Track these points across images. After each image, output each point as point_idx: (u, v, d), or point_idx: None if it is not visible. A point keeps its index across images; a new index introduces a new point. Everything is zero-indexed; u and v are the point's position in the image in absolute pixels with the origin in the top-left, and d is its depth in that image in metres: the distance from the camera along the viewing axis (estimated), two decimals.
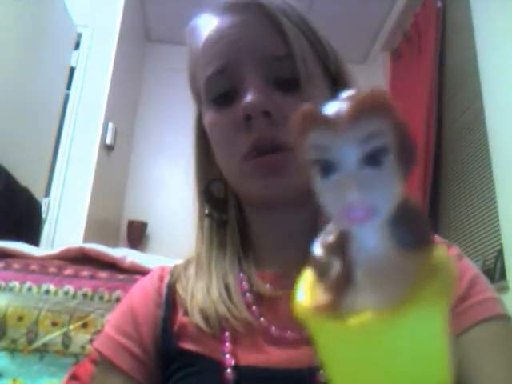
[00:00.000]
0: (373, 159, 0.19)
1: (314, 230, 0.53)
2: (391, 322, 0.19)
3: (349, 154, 0.19)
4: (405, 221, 0.20)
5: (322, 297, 0.21)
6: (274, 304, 0.50)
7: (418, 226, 0.20)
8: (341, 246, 0.21)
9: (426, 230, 0.21)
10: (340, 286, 0.21)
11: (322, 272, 0.21)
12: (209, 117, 0.54)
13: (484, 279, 0.50)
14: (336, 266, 0.21)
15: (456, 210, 2.45)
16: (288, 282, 0.51)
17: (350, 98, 0.19)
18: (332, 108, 0.19)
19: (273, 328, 0.48)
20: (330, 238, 0.22)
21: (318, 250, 0.22)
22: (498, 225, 2.00)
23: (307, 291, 0.21)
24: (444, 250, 0.20)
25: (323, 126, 0.19)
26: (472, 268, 0.50)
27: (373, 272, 0.21)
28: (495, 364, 0.43)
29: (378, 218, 0.19)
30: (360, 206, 0.19)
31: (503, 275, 1.91)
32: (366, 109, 0.19)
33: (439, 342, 0.19)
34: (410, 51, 3.01)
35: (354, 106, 0.19)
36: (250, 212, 0.57)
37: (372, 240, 0.20)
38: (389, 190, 0.19)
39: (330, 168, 0.19)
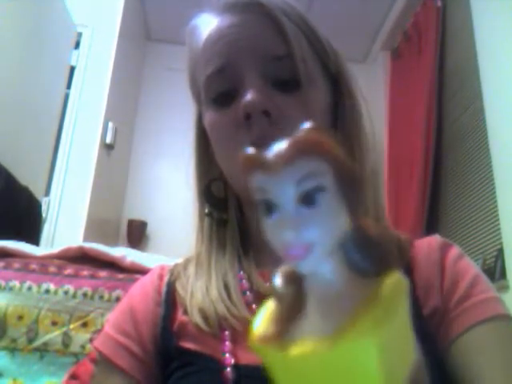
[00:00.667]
0: (308, 199, 0.20)
1: None
2: (327, 351, 0.19)
3: (285, 194, 0.20)
4: (356, 247, 0.21)
5: (270, 327, 0.21)
6: None
7: (372, 253, 0.21)
8: (296, 278, 0.22)
9: (382, 257, 0.21)
10: (288, 315, 0.22)
11: (279, 302, 0.22)
12: (209, 116, 0.54)
13: (485, 279, 0.50)
14: (287, 297, 0.22)
15: (456, 210, 2.45)
16: None
17: (289, 140, 0.20)
18: (273, 150, 0.20)
19: None
20: (289, 268, 0.23)
21: (277, 280, 0.23)
22: (498, 224, 2.00)
23: (264, 321, 0.22)
24: (395, 278, 0.21)
25: (262, 169, 0.20)
26: (473, 267, 0.50)
27: (323, 300, 0.21)
28: (496, 364, 0.43)
29: (317, 253, 0.20)
30: (297, 244, 0.20)
31: (503, 274, 1.91)
32: (299, 150, 0.19)
33: (374, 372, 0.19)
34: (410, 51, 3.01)
35: (288, 147, 0.20)
36: (250, 212, 0.57)
37: (322, 270, 0.21)
38: (325, 226, 0.20)
39: (273, 208, 0.20)
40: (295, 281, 0.22)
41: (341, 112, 0.56)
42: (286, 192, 0.20)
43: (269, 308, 0.23)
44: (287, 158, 0.19)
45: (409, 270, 0.50)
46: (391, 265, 0.21)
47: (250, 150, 0.21)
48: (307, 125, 0.20)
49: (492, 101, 2.13)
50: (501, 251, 1.97)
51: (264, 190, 0.21)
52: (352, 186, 0.20)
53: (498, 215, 2.02)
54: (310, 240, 0.20)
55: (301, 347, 0.20)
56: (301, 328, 0.21)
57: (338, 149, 0.20)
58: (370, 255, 0.21)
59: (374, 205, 0.53)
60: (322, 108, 0.53)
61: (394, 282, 0.21)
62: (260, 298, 0.51)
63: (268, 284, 0.52)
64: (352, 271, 0.21)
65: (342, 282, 0.21)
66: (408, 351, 0.23)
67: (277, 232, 0.20)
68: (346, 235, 0.21)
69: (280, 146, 0.20)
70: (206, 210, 0.58)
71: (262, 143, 0.48)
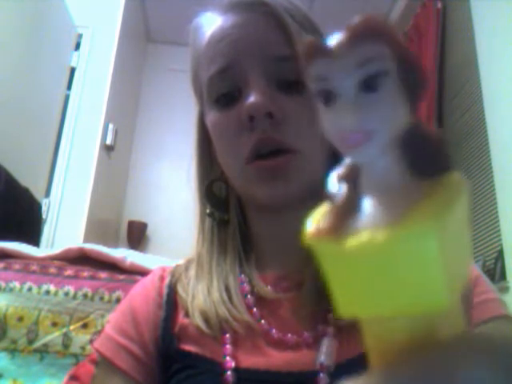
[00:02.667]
0: (369, 84, 0.19)
1: None
2: (385, 240, 0.19)
3: (345, 80, 0.19)
4: (415, 146, 0.20)
5: (324, 222, 0.21)
6: (275, 306, 0.50)
7: (429, 151, 0.20)
8: (353, 176, 0.21)
9: (438, 156, 0.20)
10: (343, 210, 0.21)
11: (334, 200, 0.22)
12: (211, 117, 0.53)
13: (486, 280, 0.49)
14: (343, 192, 0.21)
15: None
16: (289, 284, 0.51)
17: (348, 26, 0.19)
18: (333, 39, 0.19)
19: (273, 330, 0.48)
20: (342, 169, 0.22)
21: (331, 180, 0.22)
22: (499, 225, 2.00)
23: (316, 220, 0.22)
24: (456, 174, 0.20)
25: (323, 56, 0.19)
26: (474, 269, 0.50)
27: (379, 196, 0.21)
28: None
29: (377, 141, 0.19)
30: (356, 130, 0.19)
31: (503, 276, 1.91)
32: (359, 34, 0.19)
33: (434, 262, 0.19)
34: None
35: (348, 33, 0.19)
36: (251, 213, 0.57)
37: (380, 165, 0.20)
38: (386, 113, 0.19)
39: (332, 97, 0.20)
40: (351, 178, 0.22)
41: None
42: (347, 77, 0.19)
43: (322, 208, 0.22)
44: (348, 42, 0.19)
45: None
46: (449, 166, 0.20)
47: (311, 37, 0.20)
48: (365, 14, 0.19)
49: (492, 102, 2.13)
50: (501, 252, 1.97)
51: (324, 78, 0.20)
52: (414, 74, 0.19)
53: (498, 216, 2.01)
54: (371, 126, 0.19)
55: (357, 238, 0.19)
56: (356, 222, 0.20)
57: (400, 35, 0.19)
58: (427, 153, 0.20)
59: None
60: None
61: (456, 179, 0.20)
62: (261, 302, 0.51)
63: (269, 287, 0.51)
64: (409, 169, 0.20)
65: (400, 178, 0.20)
66: (466, 258, 0.22)
67: (336, 120, 0.20)
68: (404, 130, 0.20)
69: (340, 34, 0.19)
70: (208, 211, 0.57)
71: (266, 145, 0.49)
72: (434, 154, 0.20)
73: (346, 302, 0.21)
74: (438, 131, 0.20)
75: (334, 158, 0.29)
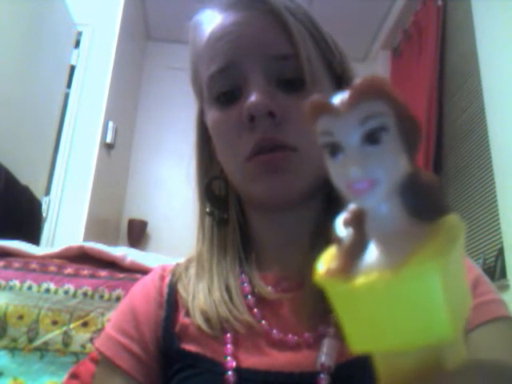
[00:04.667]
0: (372, 138, 0.21)
1: (315, 232, 0.52)
2: (392, 279, 0.20)
3: (350, 135, 0.21)
4: (415, 193, 0.22)
5: (334, 263, 0.23)
6: (276, 306, 0.50)
7: (428, 197, 0.22)
8: (358, 220, 0.24)
9: (436, 201, 0.22)
10: (351, 251, 0.23)
11: (341, 243, 0.24)
12: (211, 115, 0.53)
13: (487, 280, 0.49)
14: (350, 235, 0.23)
15: (456, 209, 2.44)
16: (289, 284, 0.51)
17: (350, 87, 0.21)
18: (336, 97, 0.22)
19: (274, 331, 0.48)
20: (348, 214, 0.24)
21: (337, 225, 0.24)
22: (499, 223, 2.00)
23: (325, 261, 0.23)
24: (454, 217, 0.22)
25: (328, 113, 0.22)
26: (474, 269, 0.50)
27: (383, 239, 0.22)
28: None
29: (381, 189, 0.21)
30: (362, 179, 0.21)
31: (503, 274, 1.91)
32: (362, 93, 0.21)
33: (437, 298, 0.20)
34: (410, 49, 3.01)
35: (352, 91, 0.21)
36: (251, 212, 0.57)
37: (383, 210, 0.22)
38: (388, 164, 0.21)
39: (338, 150, 0.22)
40: (357, 222, 0.24)
41: None
42: (351, 132, 0.21)
43: (330, 251, 0.24)
44: (352, 100, 0.21)
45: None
46: (446, 209, 0.22)
47: (317, 97, 0.22)
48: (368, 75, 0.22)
49: (492, 100, 2.13)
50: (501, 251, 1.97)
51: (329, 133, 0.22)
52: (411, 129, 0.22)
53: (498, 215, 2.01)
54: (375, 175, 0.21)
55: (366, 277, 0.21)
56: (364, 263, 0.22)
57: (398, 93, 0.21)
58: (425, 198, 0.22)
59: None
60: None
61: (453, 220, 0.22)
62: (261, 302, 0.50)
63: (269, 287, 0.51)
64: (410, 214, 0.22)
65: (401, 222, 0.22)
66: (465, 292, 0.24)
67: (342, 171, 0.22)
68: (404, 178, 0.22)
69: (344, 93, 0.22)
70: (207, 209, 0.57)
71: (266, 144, 0.48)
72: (432, 199, 0.22)
73: (357, 339, 0.23)
74: (434, 177, 0.22)
75: None
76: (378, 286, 0.21)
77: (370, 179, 0.21)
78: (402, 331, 0.21)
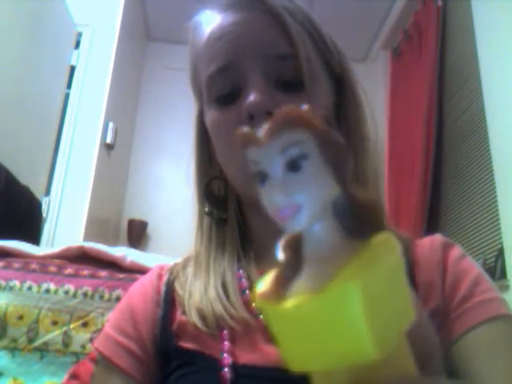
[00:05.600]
0: (293, 165, 0.22)
1: None
2: (316, 302, 0.21)
3: (273, 163, 0.23)
4: (347, 212, 0.23)
5: (270, 286, 0.24)
6: None
7: (360, 216, 0.23)
8: (296, 243, 0.24)
9: (370, 219, 0.23)
10: (285, 274, 0.24)
11: (279, 265, 0.25)
12: (211, 115, 0.53)
13: (487, 279, 0.49)
14: (285, 259, 0.24)
15: (457, 209, 2.44)
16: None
17: (272, 116, 0.23)
18: (261, 128, 0.23)
19: None
20: (285, 238, 0.25)
21: (278, 247, 0.25)
22: (499, 223, 2.00)
23: (265, 282, 0.25)
24: (384, 236, 0.23)
25: (253, 143, 0.23)
26: (475, 267, 0.50)
27: (317, 259, 0.23)
28: (499, 364, 0.42)
29: (305, 213, 0.22)
30: (285, 206, 0.22)
31: (504, 274, 1.91)
32: (281, 123, 0.22)
33: (359, 319, 0.21)
34: (410, 50, 3.01)
35: (271, 122, 0.23)
36: (250, 211, 0.57)
37: (317, 231, 0.23)
38: (311, 189, 0.22)
39: (265, 178, 0.23)
40: (293, 246, 0.24)
41: (344, 112, 0.55)
42: (273, 161, 0.23)
43: (271, 273, 0.25)
44: (271, 131, 0.22)
45: (410, 269, 0.50)
46: (380, 226, 0.23)
47: (245, 128, 0.24)
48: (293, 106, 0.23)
49: (492, 100, 2.13)
50: (501, 250, 1.97)
51: (257, 162, 0.24)
52: (335, 152, 0.23)
53: (498, 214, 2.01)
54: (298, 201, 0.22)
55: (293, 300, 0.22)
56: (296, 286, 0.23)
57: (319, 120, 0.23)
58: (359, 217, 0.23)
59: None
60: (325, 108, 0.52)
61: (382, 238, 0.23)
62: None
63: None
64: (344, 232, 0.23)
65: (334, 241, 0.23)
66: (402, 308, 0.24)
67: (269, 197, 0.23)
68: (336, 198, 0.23)
69: (267, 123, 0.23)
70: (206, 209, 0.57)
71: None
72: (364, 216, 0.23)
73: (292, 358, 0.23)
74: (369, 196, 0.23)
75: None
76: (304, 309, 0.22)
77: (293, 205, 0.22)
78: (330, 351, 0.22)
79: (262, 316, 0.24)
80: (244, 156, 0.24)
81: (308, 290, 0.22)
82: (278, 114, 0.22)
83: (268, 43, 0.50)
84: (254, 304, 0.24)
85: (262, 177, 0.23)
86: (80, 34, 2.77)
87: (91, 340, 0.79)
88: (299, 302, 0.22)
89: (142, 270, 0.83)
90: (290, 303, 0.22)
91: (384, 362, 0.22)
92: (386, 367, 0.23)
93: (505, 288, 1.85)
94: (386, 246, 0.23)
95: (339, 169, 0.23)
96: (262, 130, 0.23)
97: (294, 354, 0.23)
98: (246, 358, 0.46)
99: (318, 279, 0.22)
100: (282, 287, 0.24)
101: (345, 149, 0.23)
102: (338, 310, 0.21)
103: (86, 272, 0.86)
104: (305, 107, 0.23)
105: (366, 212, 0.23)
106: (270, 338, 0.47)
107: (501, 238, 1.98)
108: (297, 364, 0.23)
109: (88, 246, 0.91)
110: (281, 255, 0.25)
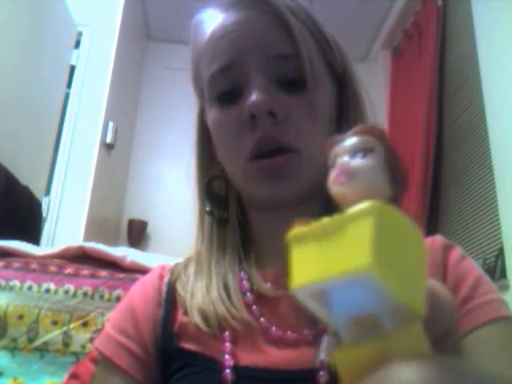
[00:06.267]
0: (361, 152, 0.27)
1: None
2: (337, 219, 0.25)
3: (345, 156, 0.27)
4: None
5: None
6: (275, 304, 0.50)
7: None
8: None
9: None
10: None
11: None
12: (212, 114, 0.53)
13: (488, 280, 0.49)
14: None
15: (457, 209, 2.44)
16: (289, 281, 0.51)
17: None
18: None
19: (273, 328, 0.48)
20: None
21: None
22: (499, 223, 2.00)
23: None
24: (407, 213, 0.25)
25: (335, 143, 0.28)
26: (475, 269, 0.50)
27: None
28: (499, 366, 0.42)
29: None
30: (344, 167, 0.27)
31: (504, 274, 1.91)
32: (358, 132, 0.27)
33: (368, 233, 0.23)
34: (410, 50, 3.01)
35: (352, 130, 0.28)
36: (251, 211, 0.57)
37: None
38: (370, 170, 0.26)
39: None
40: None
41: (345, 111, 0.55)
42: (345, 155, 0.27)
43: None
44: (352, 133, 0.27)
45: None
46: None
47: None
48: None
49: (492, 100, 2.13)
50: (501, 250, 1.97)
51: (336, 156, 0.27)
52: (393, 161, 0.26)
53: (498, 214, 2.01)
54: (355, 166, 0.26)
55: (315, 224, 0.25)
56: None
57: (386, 136, 0.27)
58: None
59: None
60: (326, 108, 0.52)
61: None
62: (260, 299, 0.50)
63: (268, 284, 0.51)
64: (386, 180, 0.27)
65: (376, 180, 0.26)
66: (415, 266, 0.25)
67: (334, 160, 0.27)
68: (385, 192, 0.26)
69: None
70: (207, 208, 0.57)
71: (267, 144, 0.48)
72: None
73: (299, 273, 0.25)
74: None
75: None
76: (324, 225, 0.24)
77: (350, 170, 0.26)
78: (335, 262, 0.23)
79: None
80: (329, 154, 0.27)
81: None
82: (360, 125, 0.27)
83: (270, 43, 0.50)
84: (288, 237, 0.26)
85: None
86: (80, 34, 2.76)
87: (91, 340, 0.79)
88: (320, 224, 0.25)
89: (142, 270, 0.83)
90: (313, 225, 0.25)
91: (397, 340, 0.24)
92: (400, 345, 0.24)
93: (505, 288, 1.85)
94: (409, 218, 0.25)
95: (393, 173, 0.26)
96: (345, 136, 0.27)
97: (301, 268, 0.25)
98: (248, 359, 0.46)
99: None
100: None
101: (399, 163, 0.26)
102: (354, 224, 0.23)
103: (86, 272, 0.86)
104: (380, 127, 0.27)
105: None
106: (272, 340, 0.47)
107: (501, 237, 1.98)
108: (302, 278, 0.25)
109: (88, 245, 0.91)
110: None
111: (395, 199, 0.26)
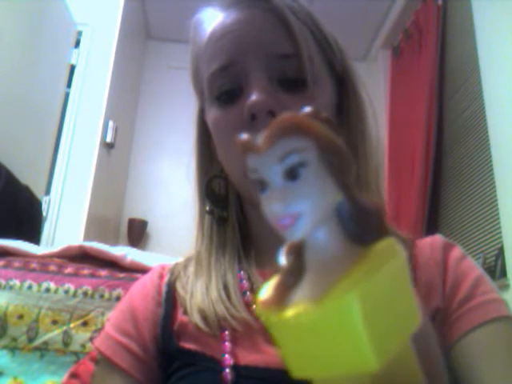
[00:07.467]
0: (292, 173, 0.22)
1: None
2: (315, 312, 0.21)
3: (271, 172, 0.22)
4: (350, 217, 0.22)
5: (271, 294, 0.24)
6: None
7: (365, 220, 0.22)
8: (298, 249, 0.24)
9: (373, 225, 0.23)
10: (288, 283, 0.24)
11: (281, 272, 0.25)
12: (212, 114, 0.53)
13: (488, 279, 0.49)
14: (287, 265, 0.24)
15: (457, 208, 2.44)
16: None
17: (271, 123, 0.22)
18: (260, 135, 0.22)
19: None
20: (288, 244, 0.25)
21: (280, 254, 0.25)
22: (499, 222, 2.00)
23: (268, 289, 0.24)
24: (387, 242, 0.22)
25: (252, 151, 0.23)
26: (476, 268, 0.50)
27: (318, 266, 0.23)
28: (499, 366, 0.42)
29: (305, 222, 0.22)
30: (284, 215, 0.22)
31: (504, 273, 1.91)
32: (280, 131, 0.22)
33: (358, 329, 0.20)
34: (410, 49, 3.01)
35: (270, 129, 0.22)
36: (251, 210, 0.57)
37: (320, 238, 0.23)
38: (310, 198, 0.22)
39: (265, 186, 0.23)
40: (295, 253, 0.24)
41: (346, 111, 0.55)
42: (272, 169, 0.22)
43: (273, 280, 0.25)
44: (269, 139, 0.22)
45: (411, 270, 0.50)
46: (384, 232, 0.23)
47: (244, 136, 0.23)
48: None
49: (492, 99, 2.13)
50: (501, 249, 1.97)
51: (256, 170, 0.23)
52: (337, 158, 0.22)
53: (498, 213, 2.01)
54: (297, 210, 0.22)
55: (293, 310, 0.22)
56: (297, 294, 0.23)
57: (319, 125, 0.22)
58: (362, 222, 0.22)
59: None
60: (327, 107, 0.52)
61: (386, 243, 0.22)
62: None
63: None
64: (346, 239, 0.23)
65: (336, 248, 0.23)
66: (406, 314, 0.23)
67: (268, 206, 0.23)
68: (338, 204, 0.23)
69: (265, 130, 0.22)
70: (207, 208, 0.57)
71: None
72: (367, 221, 0.22)
73: (294, 364, 0.23)
74: (373, 202, 0.23)
75: None
76: (303, 319, 0.21)
77: (292, 214, 0.22)
78: (331, 360, 0.22)
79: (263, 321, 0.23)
80: (244, 162, 0.24)
81: (309, 298, 0.22)
82: (277, 121, 0.22)
83: (270, 42, 0.50)
84: (255, 310, 0.25)
85: (262, 185, 0.23)
86: (80, 33, 2.76)
87: (91, 339, 0.79)
88: (298, 311, 0.22)
89: (142, 270, 0.83)
90: (290, 312, 0.22)
91: (388, 369, 0.21)
92: (391, 374, 0.23)
93: (505, 287, 1.85)
94: (390, 252, 0.22)
95: (341, 174, 0.22)
96: (261, 138, 0.22)
97: (295, 361, 0.23)
98: (247, 358, 0.46)
99: (319, 287, 0.22)
100: (283, 295, 0.23)
101: (347, 154, 0.22)
102: (337, 320, 0.21)
103: (86, 271, 0.86)
104: (306, 111, 0.22)
105: (369, 217, 0.23)
106: (271, 340, 0.47)
107: (501, 236, 1.98)
108: (298, 370, 0.23)
109: (88, 245, 0.91)
110: (283, 262, 0.24)
111: (348, 193, 0.22)
